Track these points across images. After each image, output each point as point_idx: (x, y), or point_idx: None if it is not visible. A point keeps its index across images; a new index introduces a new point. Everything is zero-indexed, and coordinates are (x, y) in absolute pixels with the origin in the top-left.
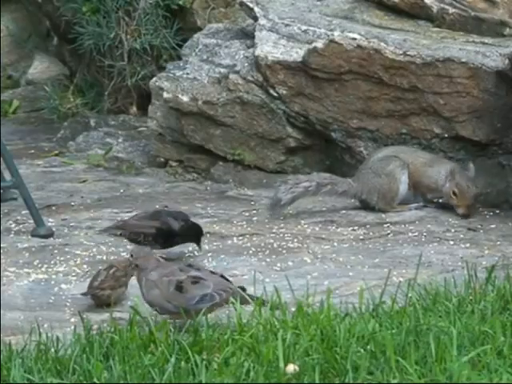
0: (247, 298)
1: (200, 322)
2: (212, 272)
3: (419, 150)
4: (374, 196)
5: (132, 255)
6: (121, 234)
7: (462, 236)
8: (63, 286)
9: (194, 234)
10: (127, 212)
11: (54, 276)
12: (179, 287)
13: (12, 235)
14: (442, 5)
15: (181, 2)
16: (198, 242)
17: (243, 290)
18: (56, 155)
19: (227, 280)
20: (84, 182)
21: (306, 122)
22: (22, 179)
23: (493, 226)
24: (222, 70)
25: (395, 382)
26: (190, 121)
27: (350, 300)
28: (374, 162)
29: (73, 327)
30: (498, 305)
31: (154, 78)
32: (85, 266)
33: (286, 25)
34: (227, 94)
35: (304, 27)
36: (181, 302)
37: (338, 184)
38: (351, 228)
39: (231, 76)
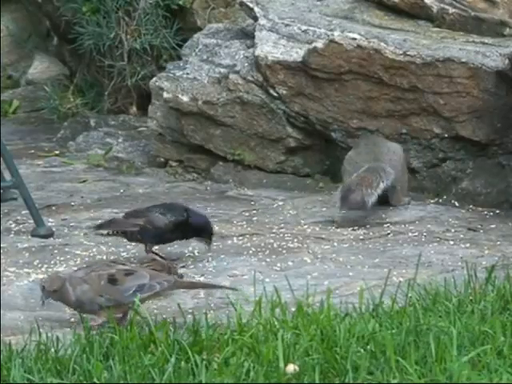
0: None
1: (200, 322)
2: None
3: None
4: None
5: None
6: (108, 233)
7: (461, 236)
8: None
9: (191, 230)
10: None
11: None
12: (112, 280)
13: (12, 235)
14: (441, 5)
15: (181, 2)
16: (198, 238)
17: (180, 277)
18: (56, 155)
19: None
20: (84, 181)
21: (306, 121)
22: (22, 179)
23: (493, 226)
24: (222, 70)
25: (395, 382)
26: (190, 121)
27: (350, 300)
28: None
29: (73, 327)
30: (498, 305)
31: (154, 78)
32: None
33: (286, 25)
34: (227, 94)
35: (304, 27)
36: (115, 295)
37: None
38: (351, 228)
39: (231, 76)
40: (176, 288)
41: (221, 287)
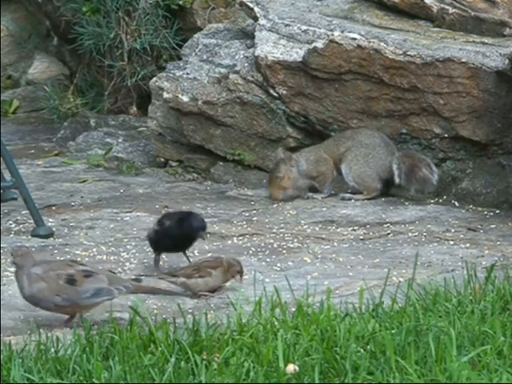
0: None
1: (200, 322)
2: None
3: None
4: None
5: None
6: None
7: (462, 236)
8: None
9: (178, 240)
10: (127, 212)
11: None
12: (71, 280)
13: (12, 235)
14: (442, 5)
15: (181, 2)
16: (181, 248)
17: (138, 280)
18: (56, 155)
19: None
20: (84, 181)
21: (306, 121)
22: (22, 179)
23: (493, 226)
24: (222, 70)
25: (395, 382)
26: (190, 121)
27: (350, 300)
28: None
29: (73, 327)
30: (498, 305)
31: (154, 78)
32: None
33: (286, 25)
34: (227, 94)
35: (304, 27)
36: (72, 296)
37: None
38: (351, 228)
39: (231, 76)
40: (135, 293)
41: (180, 294)
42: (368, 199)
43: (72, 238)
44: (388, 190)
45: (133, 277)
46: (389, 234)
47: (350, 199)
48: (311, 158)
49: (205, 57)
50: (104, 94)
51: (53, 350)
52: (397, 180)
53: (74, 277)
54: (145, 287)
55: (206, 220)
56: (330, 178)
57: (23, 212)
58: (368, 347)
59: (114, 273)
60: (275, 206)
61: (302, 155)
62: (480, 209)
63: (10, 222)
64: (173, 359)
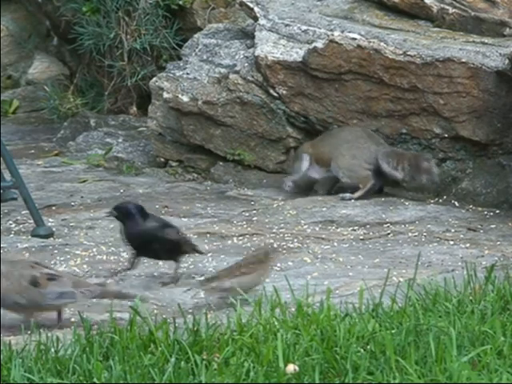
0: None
1: (200, 322)
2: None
3: None
4: None
5: None
6: None
7: (462, 236)
8: None
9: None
10: None
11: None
12: (34, 282)
13: (12, 235)
14: (442, 5)
15: (181, 2)
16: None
17: (101, 285)
18: (56, 155)
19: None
20: (84, 181)
21: (306, 122)
22: (22, 179)
23: (493, 226)
24: (222, 70)
25: (395, 382)
26: (190, 121)
27: (350, 300)
28: None
29: (73, 327)
30: (498, 305)
31: (154, 78)
32: (85, 266)
33: (286, 25)
34: (227, 94)
35: (304, 27)
36: (35, 297)
37: None
38: (351, 228)
39: (231, 76)
40: (100, 297)
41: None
42: (366, 194)
43: (72, 238)
44: (383, 184)
45: (100, 280)
46: (389, 233)
47: (350, 199)
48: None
49: (205, 57)
50: (104, 94)
51: (53, 349)
52: (400, 175)
53: (38, 279)
54: (110, 292)
55: (205, 220)
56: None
57: (23, 212)
58: (368, 347)
59: (79, 276)
60: (275, 205)
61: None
62: (480, 209)
63: (10, 221)
64: (173, 359)
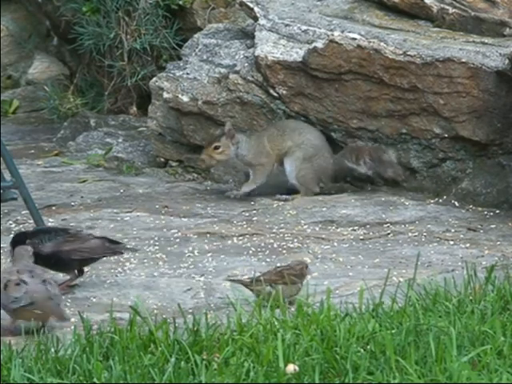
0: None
1: (200, 322)
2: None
3: None
4: None
5: None
6: None
7: (462, 236)
8: None
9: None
10: (127, 212)
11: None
12: (5, 286)
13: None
14: (442, 5)
15: (181, 2)
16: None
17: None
18: (56, 155)
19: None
20: (84, 181)
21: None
22: (22, 179)
23: (493, 226)
24: (222, 70)
25: (395, 382)
26: (190, 121)
27: (350, 300)
28: None
29: (73, 327)
30: (498, 305)
31: (154, 78)
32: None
33: (286, 25)
34: (227, 94)
35: (304, 27)
36: (4, 300)
37: None
38: (351, 228)
39: (231, 76)
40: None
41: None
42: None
43: None
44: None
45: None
46: (389, 233)
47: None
48: (254, 146)
49: (205, 57)
50: (104, 94)
51: (53, 349)
52: (363, 169)
53: (8, 283)
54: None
55: (205, 220)
56: (267, 171)
57: (23, 212)
58: (368, 347)
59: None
60: (275, 205)
61: (245, 140)
62: (480, 209)
63: (10, 222)
64: (173, 359)
